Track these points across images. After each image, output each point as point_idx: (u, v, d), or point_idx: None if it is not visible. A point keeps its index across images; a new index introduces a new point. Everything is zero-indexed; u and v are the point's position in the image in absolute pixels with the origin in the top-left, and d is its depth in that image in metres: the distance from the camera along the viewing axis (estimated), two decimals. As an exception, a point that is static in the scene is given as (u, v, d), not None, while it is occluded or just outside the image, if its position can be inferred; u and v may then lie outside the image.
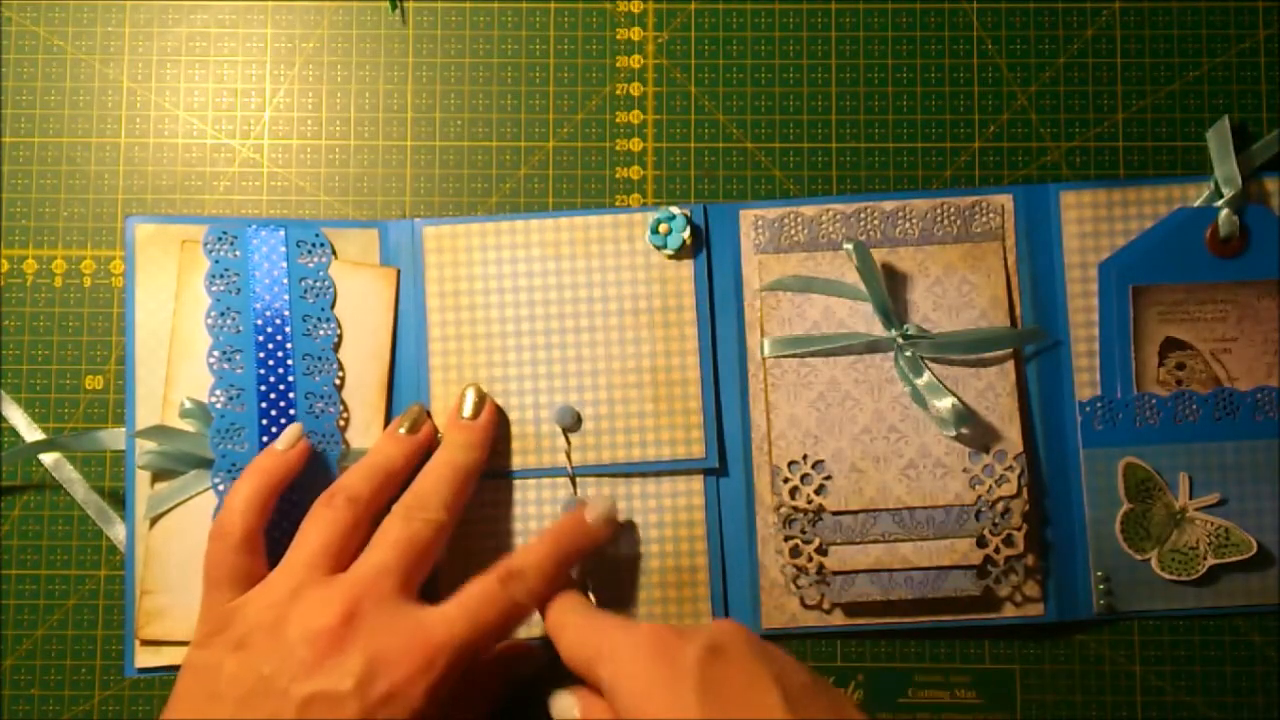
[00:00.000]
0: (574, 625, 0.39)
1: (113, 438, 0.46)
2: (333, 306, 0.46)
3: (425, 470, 0.43)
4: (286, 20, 0.48)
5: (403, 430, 0.44)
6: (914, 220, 0.46)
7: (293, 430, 0.43)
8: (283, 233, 0.46)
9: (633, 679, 0.35)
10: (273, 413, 0.45)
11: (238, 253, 0.46)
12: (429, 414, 0.45)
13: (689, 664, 0.35)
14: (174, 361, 0.45)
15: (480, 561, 0.42)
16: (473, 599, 0.39)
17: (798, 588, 0.45)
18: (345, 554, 0.40)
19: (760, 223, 0.46)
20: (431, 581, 0.42)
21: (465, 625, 0.38)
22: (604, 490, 0.45)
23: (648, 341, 0.46)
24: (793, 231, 0.46)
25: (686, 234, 0.45)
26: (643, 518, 0.45)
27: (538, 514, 0.45)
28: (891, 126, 0.47)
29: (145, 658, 0.45)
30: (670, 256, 0.46)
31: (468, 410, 0.44)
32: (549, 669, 0.44)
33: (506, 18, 0.48)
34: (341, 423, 0.45)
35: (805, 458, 0.45)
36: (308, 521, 0.41)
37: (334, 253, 0.46)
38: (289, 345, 0.45)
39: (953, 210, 0.46)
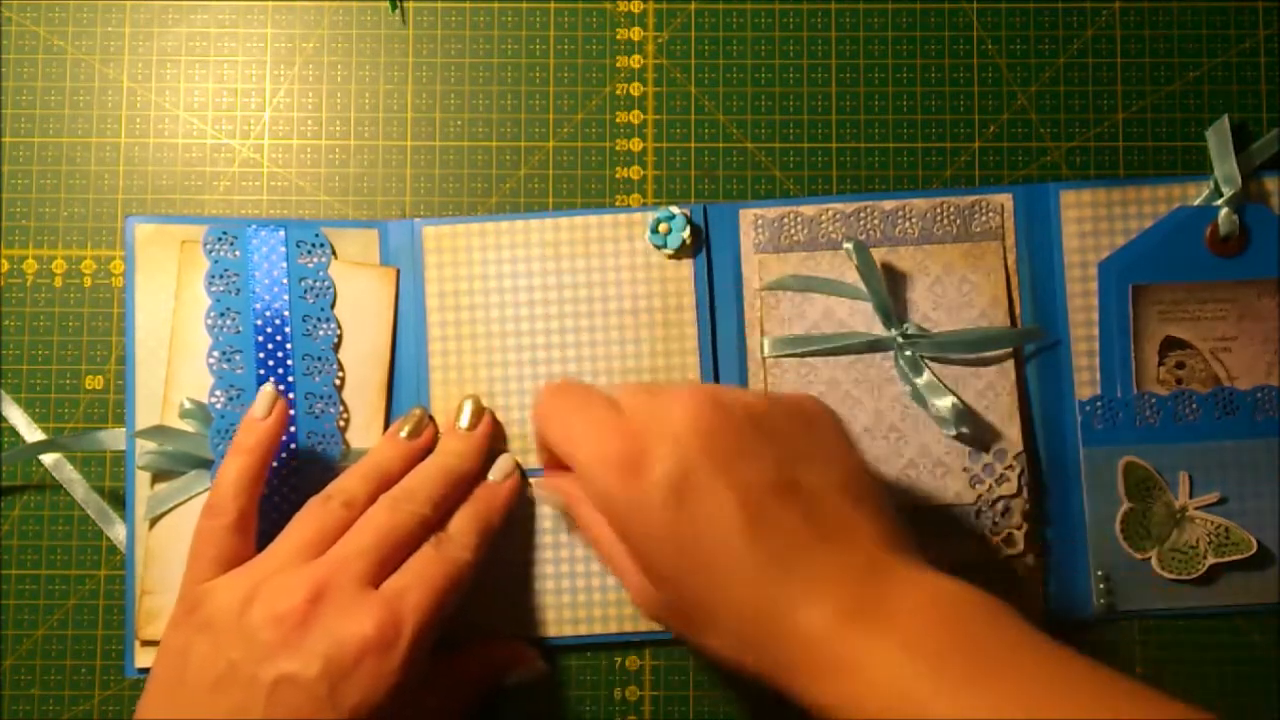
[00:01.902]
0: (557, 423, 0.39)
1: (113, 438, 0.45)
2: (333, 307, 0.46)
3: (416, 469, 0.43)
4: (286, 20, 0.48)
5: (403, 434, 0.44)
6: (914, 220, 0.46)
7: (266, 393, 0.43)
8: (282, 233, 0.46)
9: (609, 503, 0.36)
10: (273, 413, 0.45)
11: (237, 253, 0.46)
12: (431, 418, 0.45)
13: (655, 498, 0.35)
14: (174, 362, 0.45)
15: (480, 560, 0.42)
16: (417, 566, 0.39)
17: (798, 587, 0.45)
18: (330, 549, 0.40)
19: (760, 222, 0.46)
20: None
21: (419, 591, 0.38)
22: None
23: (648, 341, 0.46)
24: (793, 231, 0.46)
25: (686, 234, 0.45)
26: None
27: (538, 514, 0.45)
28: (891, 126, 0.47)
29: (145, 658, 0.45)
30: (670, 256, 0.46)
31: (465, 421, 0.44)
32: (538, 678, 0.45)
33: (506, 18, 0.48)
34: (341, 423, 0.45)
35: (805, 457, 0.45)
36: (300, 517, 0.41)
37: (334, 253, 0.46)
38: (289, 346, 0.45)
39: (952, 210, 0.46)
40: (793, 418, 0.37)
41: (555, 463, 0.41)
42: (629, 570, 0.38)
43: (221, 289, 0.45)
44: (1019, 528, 0.45)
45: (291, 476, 0.45)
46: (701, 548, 0.34)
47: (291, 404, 0.45)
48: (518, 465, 0.45)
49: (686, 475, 0.35)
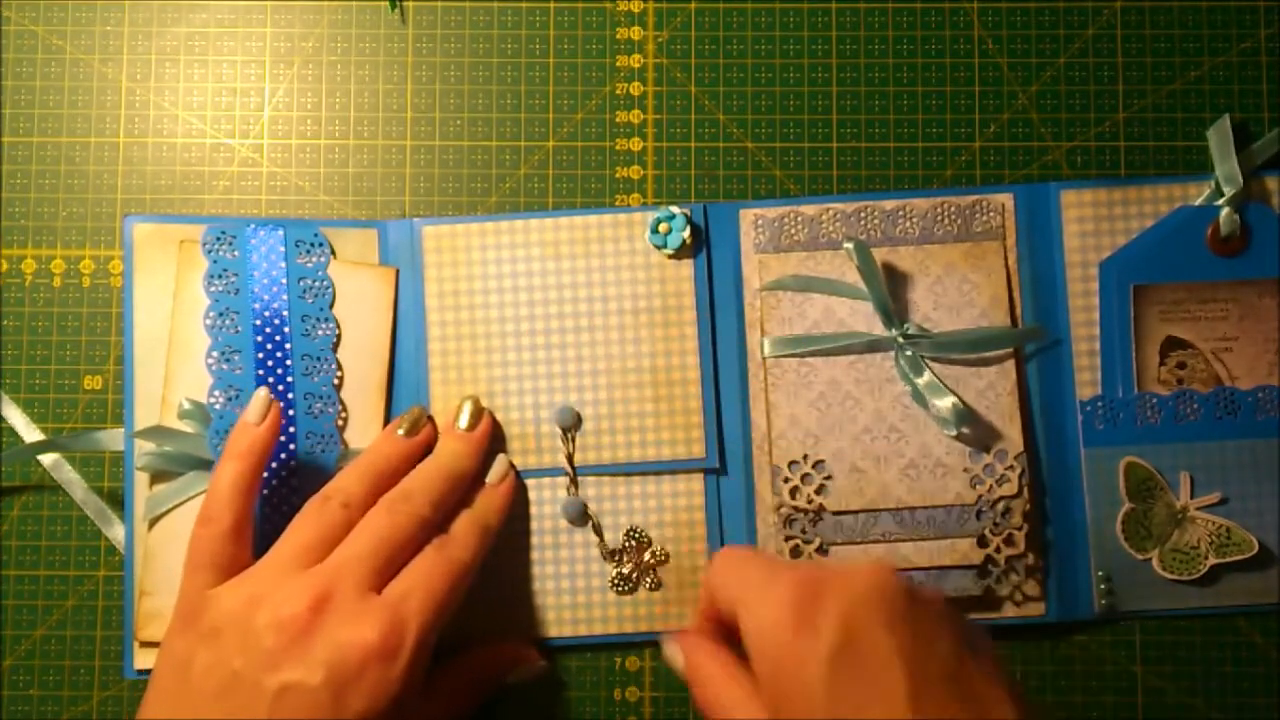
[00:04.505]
0: (720, 569, 0.37)
1: (111, 438, 0.45)
2: (331, 306, 0.46)
3: (415, 470, 0.43)
4: (285, 19, 0.48)
5: (401, 431, 0.44)
6: (914, 219, 0.46)
7: (260, 398, 0.42)
8: (281, 232, 0.46)
9: (767, 645, 0.34)
10: (272, 413, 0.45)
11: (236, 253, 0.45)
12: (430, 417, 0.45)
13: (821, 650, 0.32)
14: (172, 362, 0.45)
15: (480, 562, 0.42)
16: (419, 569, 0.40)
17: (798, 588, 0.45)
18: (331, 553, 0.40)
19: (760, 222, 0.46)
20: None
21: (422, 595, 0.39)
22: (603, 490, 0.45)
23: (648, 341, 0.46)
24: (793, 231, 0.46)
25: (686, 233, 0.45)
26: (643, 518, 0.45)
27: (538, 514, 0.45)
28: (892, 126, 0.47)
29: (144, 659, 0.45)
30: (670, 256, 0.46)
31: (464, 422, 0.44)
32: (538, 679, 0.45)
33: (506, 17, 0.47)
34: (340, 423, 0.45)
35: (806, 457, 0.45)
36: (299, 519, 0.41)
37: (333, 252, 0.46)
38: (288, 345, 0.45)
39: (953, 209, 0.46)
40: (956, 611, 0.35)
41: (711, 618, 0.38)
42: None
43: (220, 289, 0.45)
44: (1019, 528, 0.45)
45: (290, 477, 0.45)
46: (856, 715, 0.32)
47: (290, 404, 0.45)
48: (511, 466, 0.45)
49: (860, 635, 0.32)
